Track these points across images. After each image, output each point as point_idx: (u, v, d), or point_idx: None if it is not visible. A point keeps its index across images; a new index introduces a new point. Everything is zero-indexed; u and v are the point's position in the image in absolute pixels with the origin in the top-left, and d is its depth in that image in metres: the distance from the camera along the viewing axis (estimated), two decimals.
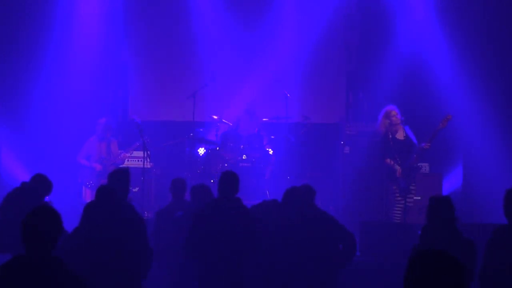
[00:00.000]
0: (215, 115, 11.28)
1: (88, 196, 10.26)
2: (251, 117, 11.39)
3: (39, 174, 6.63)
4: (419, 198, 9.81)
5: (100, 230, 5.46)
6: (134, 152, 10.80)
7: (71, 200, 9.55)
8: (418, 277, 2.79)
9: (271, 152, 11.14)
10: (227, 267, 6.01)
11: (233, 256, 6.04)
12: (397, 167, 9.24)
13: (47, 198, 6.77)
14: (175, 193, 7.51)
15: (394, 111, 9.32)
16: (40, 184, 6.54)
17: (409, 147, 9.25)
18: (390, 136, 9.29)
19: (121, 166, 10.28)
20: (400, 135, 9.33)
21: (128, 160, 10.86)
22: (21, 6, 11.37)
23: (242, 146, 11.00)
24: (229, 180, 6.25)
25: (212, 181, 10.52)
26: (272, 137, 11.31)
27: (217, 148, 11.05)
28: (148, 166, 10.56)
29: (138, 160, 10.70)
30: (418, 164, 9.33)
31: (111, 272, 5.40)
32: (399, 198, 9.27)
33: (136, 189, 10.49)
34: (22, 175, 10.28)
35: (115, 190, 5.76)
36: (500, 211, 5.72)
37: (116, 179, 5.95)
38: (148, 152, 9.96)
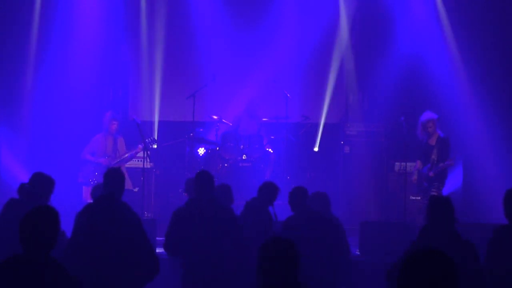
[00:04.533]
0: (215, 115, 11.28)
1: (88, 195, 10.25)
2: (251, 117, 11.40)
3: (38, 172, 6.57)
4: (419, 198, 9.83)
5: (101, 231, 5.45)
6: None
7: (71, 200, 9.54)
8: (411, 276, 2.80)
9: (271, 152, 11.14)
10: (210, 265, 6.04)
11: (216, 254, 6.06)
12: (414, 175, 9.60)
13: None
14: (191, 192, 7.53)
15: (430, 123, 9.52)
16: (40, 183, 6.47)
17: (429, 154, 9.45)
18: (425, 141, 9.63)
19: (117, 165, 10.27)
20: (433, 141, 9.54)
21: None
22: (21, 5, 11.38)
23: (242, 146, 11.00)
24: (205, 179, 6.28)
25: None
26: (272, 137, 11.31)
27: (217, 148, 11.05)
28: (148, 166, 10.56)
29: (138, 160, 10.69)
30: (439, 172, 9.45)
31: (113, 273, 5.39)
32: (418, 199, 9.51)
33: (136, 189, 10.50)
34: (22, 175, 10.28)
35: (113, 190, 5.76)
36: (500, 211, 5.72)
37: (111, 179, 5.92)
38: (148, 152, 9.97)
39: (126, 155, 10.42)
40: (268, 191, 6.89)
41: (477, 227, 7.92)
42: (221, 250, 6.09)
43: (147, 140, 10.13)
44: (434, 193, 9.25)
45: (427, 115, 9.61)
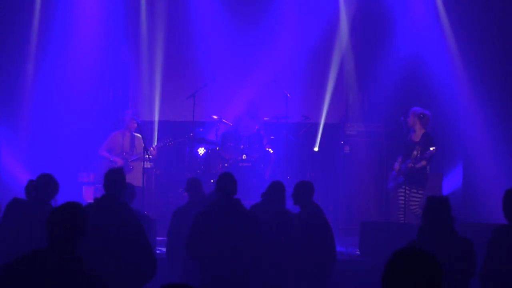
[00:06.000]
0: (215, 115, 11.28)
1: (88, 195, 10.25)
2: (251, 117, 11.40)
3: (45, 174, 6.56)
4: (421, 197, 9.82)
5: (102, 231, 5.44)
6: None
7: (71, 200, 9.52)
8: (394, 276, 2.80)
9: (271, 151, 11.14)
10: (229, 267, 6.03)
11: (236, 257, 6.05)
12: (396, 166, 9.39)
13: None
14: (192, 192, 7.52)
15: (411, 113, 9.44)
16: (45, 185, 6.46)
17: (411, 150, 9.35)
18: (408, 135, 9.51)
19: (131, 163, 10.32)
20: (415, 137, 9.42)
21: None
22: (21, 5, 11.38)
23: (242, 146, 11.01)
24: (229, 181, 6.28)
25: (212, 181, 10.53)
26: (272, 137, 11.31)
27: (217, 148, 11.06)
28: (148, 166, 10.56)
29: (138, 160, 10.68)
30: (420, 165, 9.32)
31: (112, 273, 5.38)
32: (399, 196, 9.38)
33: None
34: (22, 175, 10.28)
35: (115, 191, 5.76)
36: (500, 211, 5.72)
37: (112, 179, 5.91)
38: (149, 153, 9.98)
39: (152, 149, 10.47)
40: (277, 190, 6.87)
41: (477, 227, 7.91)
42: (242, 252, 6.07)
43: (152, 147, 10.22)
44: (413, 196, 9.26)
45: (416, 108, 9.61)
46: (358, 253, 8.81)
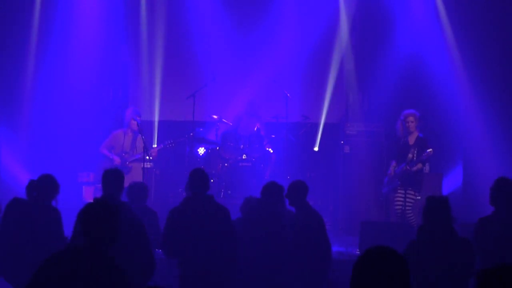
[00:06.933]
0: (215, 115, 11.29)
1: (88, 195, 10.24)
2: (251, 117, 11.40)
3: (46, 174, 6.55)
4: (419, 198, 9.82)
5: None
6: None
7: (71, 200, 9.54)
8: (361, 277, 2.81)
9: (271, 151, 11.14)
10: (206, 264, 6.03)
11: (211, 253, 6.05)
12: (391, 169, 9.39)
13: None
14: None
15: (411, 117, 9.38)
16: (45, 185, 6.46)
17: (406, 153, 9.32)
18: (403, 139, 9.42)
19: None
20: (411, 140, 9.37)
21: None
22: (21, 5, 11.38)
23: (242, 146, 11.01)
24: (200, 177, 6.25)
25: (212, 180, 10.53)
26: (272, 136, 11.32)
27: (217, 148, 11.06)
28: (148, 166, 10.56)
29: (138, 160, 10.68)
30: (416, 168, 9.29)
31: None
32: (396, 200, 9.36)
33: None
34: (22, 175, 10.28)
35: (113, 191, 5.76)
36: None
37: (110, 180, 5.90)
38: (148, 153, 9.97)
39: (152, 150, 10.47)
40: (276, 191, 6.85)
41: None
42: (217, 249, 6.07)
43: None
44: (410, 198, 9.24)
45: (409, 110, 9.57)
46: (358, 253, 8.81)
